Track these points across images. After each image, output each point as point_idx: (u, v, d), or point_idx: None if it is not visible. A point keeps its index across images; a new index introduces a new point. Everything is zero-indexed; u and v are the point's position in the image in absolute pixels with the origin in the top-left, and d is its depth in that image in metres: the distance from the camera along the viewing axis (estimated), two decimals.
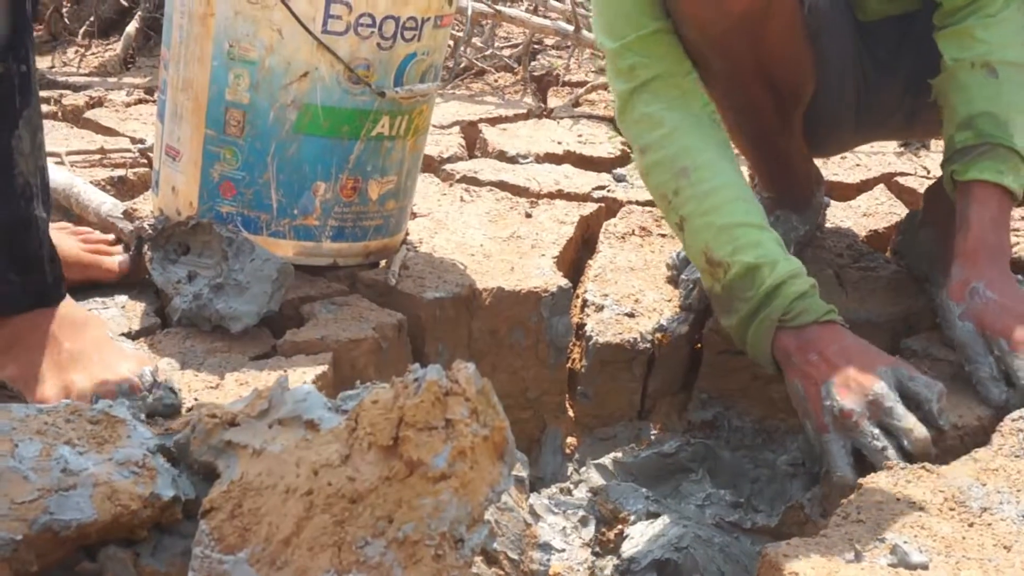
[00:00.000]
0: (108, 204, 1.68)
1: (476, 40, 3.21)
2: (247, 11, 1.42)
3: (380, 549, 0.81)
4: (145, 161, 2.01)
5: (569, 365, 1.67)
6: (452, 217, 1.89)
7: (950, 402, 1.25)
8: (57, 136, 2.16)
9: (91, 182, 1.80)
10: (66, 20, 3.40)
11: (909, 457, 1.17)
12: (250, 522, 0.86)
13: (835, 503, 1.14)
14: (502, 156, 2.27)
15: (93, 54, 3.23)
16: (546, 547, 1.27)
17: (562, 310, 1.64)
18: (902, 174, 2.20)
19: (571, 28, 2.81)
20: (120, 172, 1.96)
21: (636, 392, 1.64)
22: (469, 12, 2.82)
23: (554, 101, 2.84)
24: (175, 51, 1.50)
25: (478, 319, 1.61)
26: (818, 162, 1.83)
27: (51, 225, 1.26)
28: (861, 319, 1.52)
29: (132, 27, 3.22)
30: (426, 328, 1.57)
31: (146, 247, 1.49)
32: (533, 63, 3.12)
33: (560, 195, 2.04)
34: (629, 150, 2.17)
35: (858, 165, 2.26)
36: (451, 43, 2.88)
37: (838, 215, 1.94)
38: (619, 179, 2.16)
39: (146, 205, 1.73)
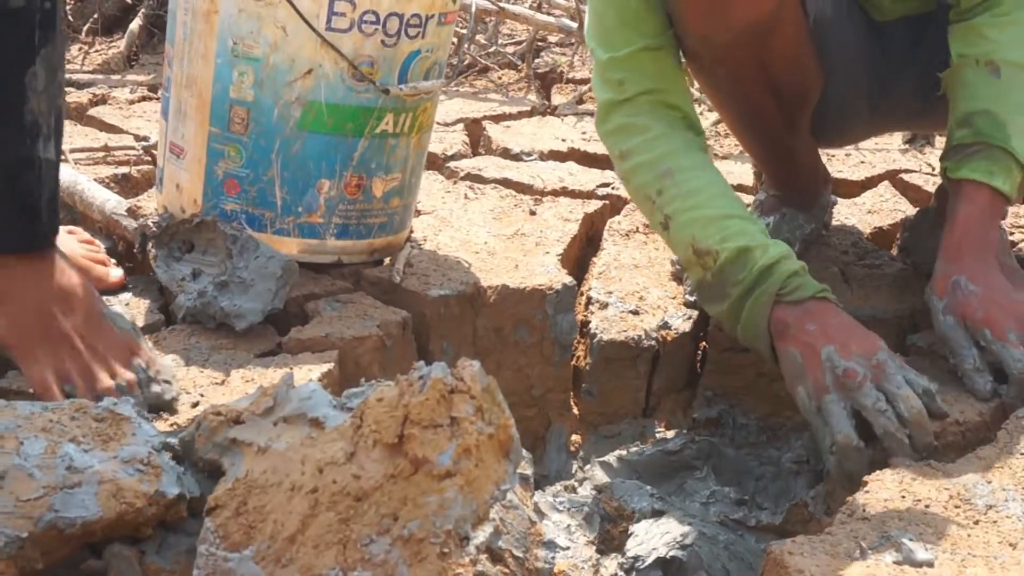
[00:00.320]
0: (112, 202, 1.68)
1: (480, 37, 3.20)
2: (251, 8, 1.41)
3: (385, 547, 0.81)
4: (149, 158, 2.01)
5: (574, 362, 1.67)
6: (456, 214, 1.89)
7: (952, 397, 1.25)
8: None
9: (95, 179, 1.80)
10: (70, 17, 3.40)
11: (906, 426, 1.17)
12: (255, 520, 0.86)
13: (840, 501, 1.14)
14: (506, 153, 2.27)
15: (97, 51, 3.23)
16: (551, 545, 1.27)
17: (567, 307, 1.63)
18: (907, 171, 2.19)
19: (575, 25, 2.81)
20: (124, 169, 1.96)
21: (641, 389, 1.63)
22: (473, 9, 2.82)
23: (558, 98, 2.84)
24: (179, 48, 1.50)
25: (483, 316, 1.61)
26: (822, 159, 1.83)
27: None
28: (866, 316, 1.52)
29: (136, 24, 3.22)
30: (431, 326, 1.56)
31: (150, 244, 1.49)
32: (537, 60, 3.11)
33: (564, 192, 2.04)
34: None
35: (863, 162, 2.26)
36: (455, 40, 2.89)
37: (843, 212, 1.94)
38: None
39: (150, 203, 1.73)
